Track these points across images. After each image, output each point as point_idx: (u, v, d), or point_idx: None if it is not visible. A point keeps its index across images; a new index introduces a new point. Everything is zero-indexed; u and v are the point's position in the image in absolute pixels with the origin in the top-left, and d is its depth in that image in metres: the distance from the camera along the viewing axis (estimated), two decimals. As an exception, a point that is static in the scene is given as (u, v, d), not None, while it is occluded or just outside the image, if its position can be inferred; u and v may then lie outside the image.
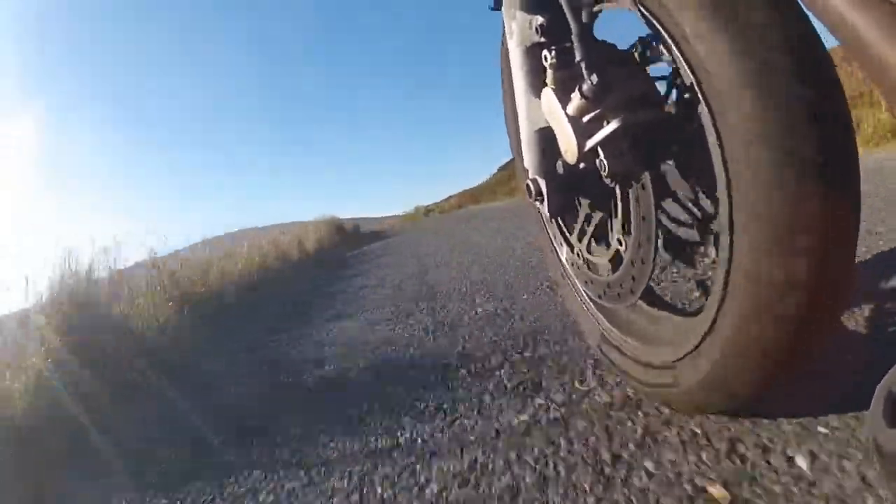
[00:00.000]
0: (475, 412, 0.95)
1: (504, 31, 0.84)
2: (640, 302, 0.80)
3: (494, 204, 13.47)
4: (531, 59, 0.77)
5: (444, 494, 0.72)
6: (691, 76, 0.53)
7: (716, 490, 0.58)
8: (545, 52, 0.70)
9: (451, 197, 23.12)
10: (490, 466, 0.75)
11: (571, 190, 0.86)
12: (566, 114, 0.67)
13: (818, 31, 0.47)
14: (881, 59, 0.35)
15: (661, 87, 0.69)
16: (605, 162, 0.65)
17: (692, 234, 0.74)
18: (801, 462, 0.59)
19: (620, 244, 0.77)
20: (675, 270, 1.45)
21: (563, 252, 0.99)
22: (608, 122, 0.63)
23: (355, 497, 0.78)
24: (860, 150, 0.53)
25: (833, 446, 0.60)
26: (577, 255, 0.93)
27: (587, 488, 0.64)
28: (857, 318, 0.90)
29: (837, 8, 0.37)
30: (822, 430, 0.63)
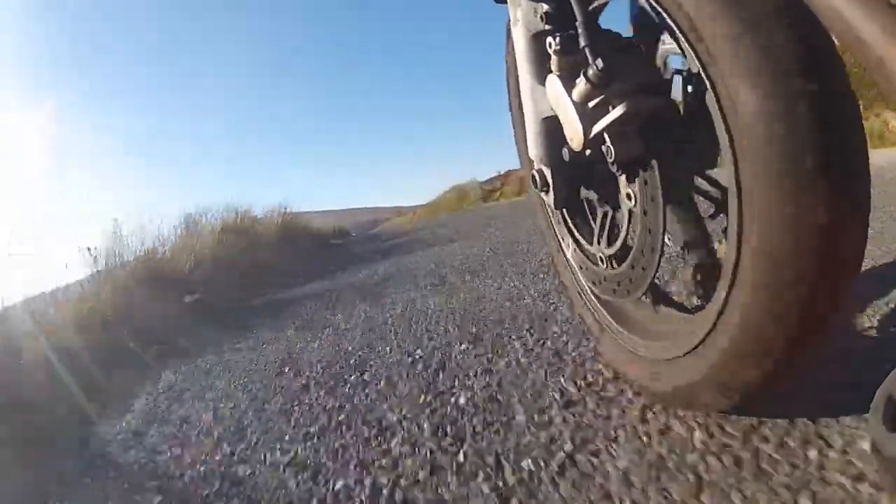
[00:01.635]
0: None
1: (509, 19, 0.83)
2: (644, 297, 0.79)
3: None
4: (536, 47, 0.76)
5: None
6: (698, 64, 0.52)
7: None
8: (549, 38, 0.69)
9: (509, 172, 12.01)
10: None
11: (577, 182, 0.84)
12: (571, 99, 0.66)
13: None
14: (883, 59, 0.34)
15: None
16: (612, 148, 0.64)
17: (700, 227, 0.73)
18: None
19: (628, 234, 0.76)
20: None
21: (569, 247, 0.97)
22: (614, 108, 0.62)
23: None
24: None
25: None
26: (583, 249, 0.92)
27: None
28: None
29: (838, 6, 0.37)
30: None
